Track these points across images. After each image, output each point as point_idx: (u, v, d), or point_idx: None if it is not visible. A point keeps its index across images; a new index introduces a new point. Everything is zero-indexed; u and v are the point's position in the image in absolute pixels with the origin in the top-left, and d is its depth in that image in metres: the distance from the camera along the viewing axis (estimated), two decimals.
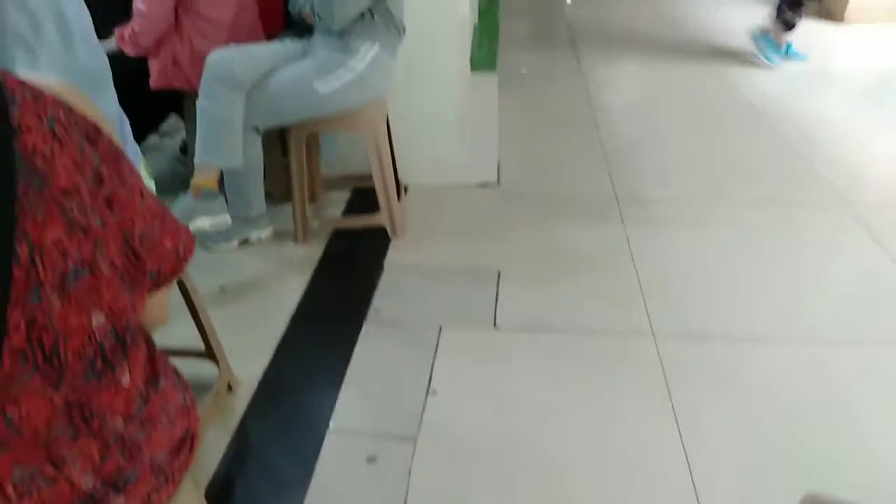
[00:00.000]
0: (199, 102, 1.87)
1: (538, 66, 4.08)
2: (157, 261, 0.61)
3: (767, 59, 3.77)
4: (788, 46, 3.76)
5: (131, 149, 1.14)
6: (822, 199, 2.46)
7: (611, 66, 3.98)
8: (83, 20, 1.07)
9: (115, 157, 0.56)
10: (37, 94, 0.51)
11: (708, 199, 2.48)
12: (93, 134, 0.54)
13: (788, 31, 3.70)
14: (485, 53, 4.02)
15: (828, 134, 2.98)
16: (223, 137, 1.86)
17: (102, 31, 2.38)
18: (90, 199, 0.51)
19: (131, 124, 2.41)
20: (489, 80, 3.54)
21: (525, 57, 4.23)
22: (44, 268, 0.47)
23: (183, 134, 2.68)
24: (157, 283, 0.62)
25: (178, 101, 2.34)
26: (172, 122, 2.74)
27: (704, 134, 3.06)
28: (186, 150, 2.55)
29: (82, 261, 0.50)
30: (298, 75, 1.91)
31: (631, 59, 4.14)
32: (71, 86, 0.57)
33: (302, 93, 1.90)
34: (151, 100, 2.24)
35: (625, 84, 3.70)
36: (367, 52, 1.94)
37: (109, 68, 1.08)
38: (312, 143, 2.30)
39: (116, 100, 1.11)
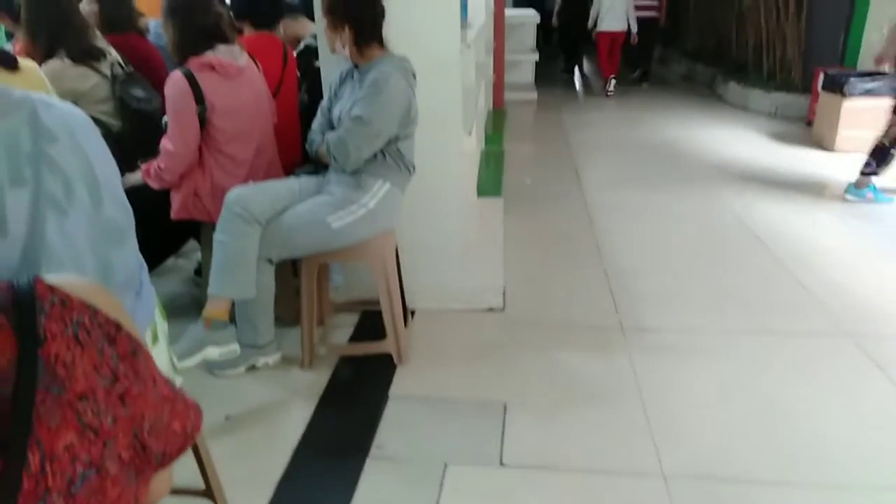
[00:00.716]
0: (216, 236, 1.96)
1: (541, 188, 4.26)
2: (163, 444, 0.62)
3: (878, 199, 3.78)
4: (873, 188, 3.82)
5: (147, 293, 1.18)
6: (825, 329, 2.47)
7: (612, 190, 4.15)
8: (111, 176, 1.09)
9: (133, 353, 0.59)
10: (64, 300, 0.55)
11: (711, 327, 2.50)
12: (113, 333, 0.57)
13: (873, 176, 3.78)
14: (490, 178, 4.22)
15: (826, 260, 3.05)
16: (238, 271, 1.93)
17: (130, 163, 2.56)
18: (104, 399, 0.54)
19: (153, 251, 2.51)
20: (495, 204, 3.70)
21: (528, 178, 4.43)
22: (52, 475, 0.49)
23: (198, 254, 2.77)
24: (163, 463, 0.64)
25: (197, 228, 2.45)
26: (189, 243, 2.86)
27: (704, 258, 3.14)
28: (201, 271, 2.64)
29: (90, 462, 0.52)
30: (313, 211, 2.02)
31: (631, 181, 4.33)
32: (98, 287, 0.62)
33: (316, 227, 1.99)
34: (172, 226, 2.35)
35: (626, 207, 3.84)
36: (378, 190, 2.05)
37: (133, 218, 1.12)
38: (322, 269, 2.37)
39: (137, 249, 1.15)
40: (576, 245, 3.32)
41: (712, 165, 4.63)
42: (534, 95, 7.12)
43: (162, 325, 1.32)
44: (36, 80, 2.18)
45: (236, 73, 2.17)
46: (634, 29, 7.17)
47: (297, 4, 3.37)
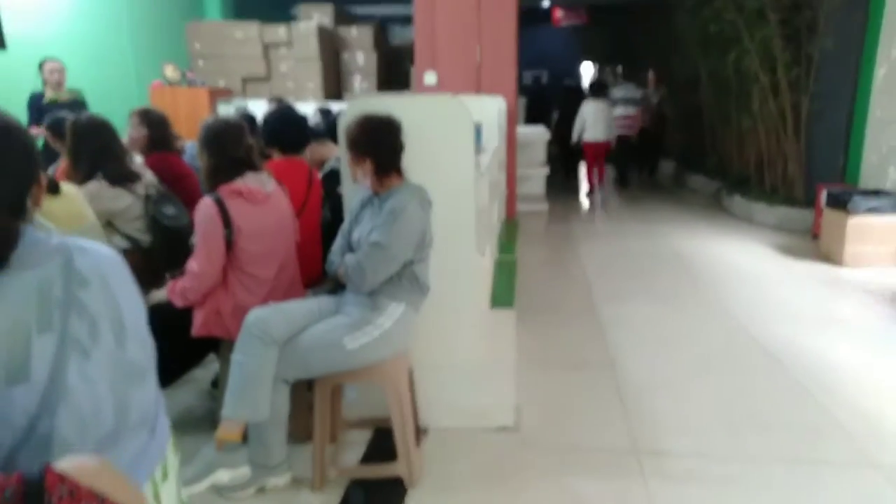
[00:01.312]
0: (234, 356, 2.01)
1: (553, 299, 4.31)
2: None
3: None
4: None
5: (161, 429, 1.19)
6: (848, 458, 2.41)
7: (623, 302, 4.19)
8: (138, 316, 1.11)
9: None
10: (73, 490, 0.58)
11: (728, 452, 2.45)
12: None
13: None
14: (503, 289, 4.28)
15: (845, 381, 3.01)
16: (253, 393, 1.96)
17: (158, 277, 2.65)
18: None
19: (174, 365, 2.54)
20: (507, 316, 3.73)
21: (540, 291, 4.49)
22: None
23: (216, 366, 2.80)
24: None
25: (217, 342, 2.50)
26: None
27: (719, 376, 3.11)
28: (218, 384, 2.66)
29: None
30: (329, 332, 2.07)
31: (642, 294, 4.37)
32: (104, 466, 0.65)
33: (331, 348, 2.04)
34: (193, 340, 2.40)
35: (638, 320, 3.86)
36: (394, 311, 2.11)
37: (154, 356, 1.15)
38: (336, 389, 2.38)
39: (156, 386, 1.17)
40: (588, 360, 3.31)
41: (722, 278, 4.69)
42: (545, 206, 7.36)
43: (173, 462, 1.32)
44: (76, 204, 2.33)
45: (263, 198, 2.31)
46: (613, 139, 8.25)
47: (323, 130, 3.63)
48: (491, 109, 4.37)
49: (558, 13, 13.99)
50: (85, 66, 7.08)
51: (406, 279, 2.14)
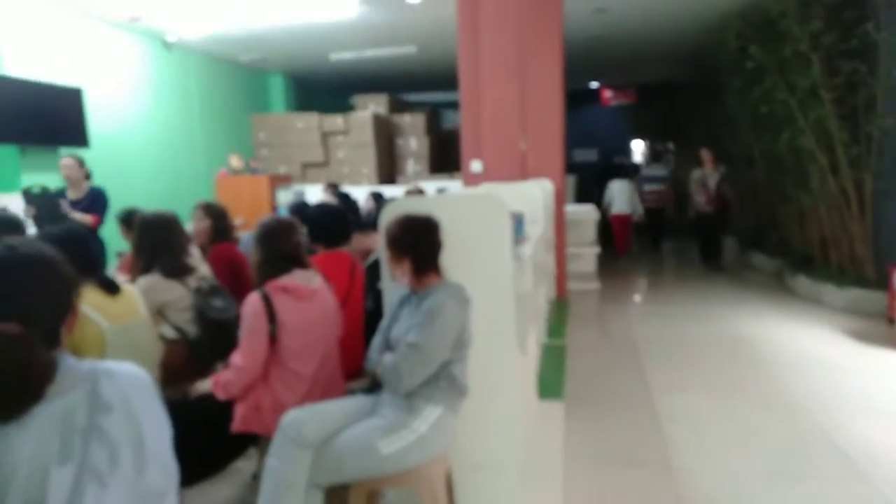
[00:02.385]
0: (268, 460, 1.99)
1: (605, 389, 4.13)
2: None
3: None
4: None
5: None
6: None
7: (682, 394, 3.97)
8: (161, 438, 1.10)
9: None
10: None
11: None
12: None
13: None
14: (551, 378, 4.15)
15: None
16: (285, 500, 1.92)
17: (202, 368, 2.70)
18: None
19: (216, 457, 2.54)
20: (555, 410, 3.60)
21: (590, 378, 4.32)
22: None
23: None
24: None
25: (258, 437, 2.49)
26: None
27: (790, 483, 2.85)
28: (258, 476, 2.63)
29: None
30: (364, 435, 2.03)
31: (703, 384, 4.14)
32: None
33: (365, 453, 1.99)
34: (234, 435, 2.40)
35: (698, 416, 3.63)
36: (430, 414, 2.06)
37: (176, 478, 1.10)
38: (373, 495, 2.31)
39: None
40: (643, 459, 3.12)
41: (789, 366, 4.40)
42: (596, 285, 7.23)
43: None
44: (130, 301, 2.44)
45: (309, 295, 2.37)
46: (640, 212, 9.44)
47: (373, 218, 3.72)
48: (536, 194, 4.40)
49: (607, 93, 14.27)
50: (159, 158, 7.64)
51: (443, 380, 2.10)
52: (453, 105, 12.93)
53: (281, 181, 7.82)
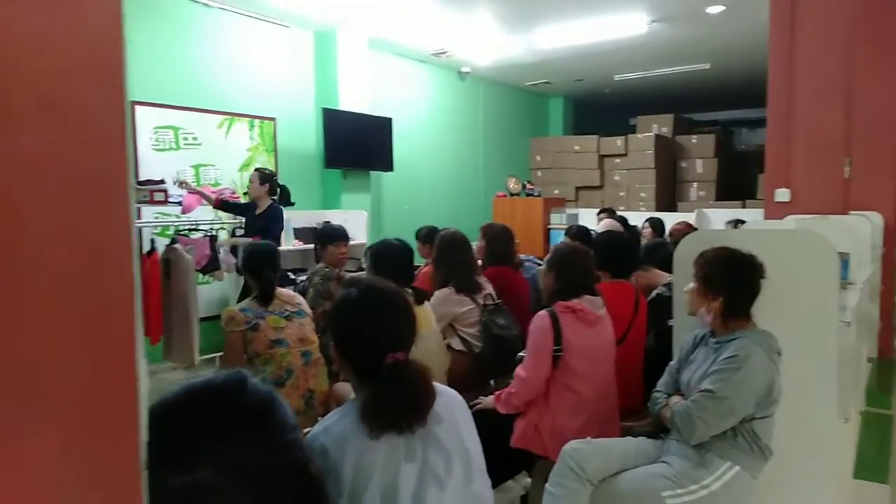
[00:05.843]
0: (548, 487, 1.98)
1: None
2: None
3: None
4: None
5: None
6: None
7: None
8: (478, 451, 1.23)
9: None
10: None
11: None
12: None
13: None
14: (872, 455, 3.42)
15: None
16: None
17: (484, 382, 2.84)
18: None
19: (491, 472, 2.66)
20: (876, 494, 2.94)
21: None
22: None
23: (527, 480, 2.81)
24: None
25: (532, 459, 2.51)
26: None
27: None
28: (527, 500, 2.66)
29: None
30: (648, 480, 1.90)
31: None
32: None
33: (649, 499, 1.86)
34: (508, 454, 2.46)
35: None
36: (724, 473, 1.83)
37: (492, 495, 1.22)
38: None
39: None
40: None
41: None
42: None
43: None
44: (425, 313, 2.70)
45: (595, 320, 2.34)
46: None
47: (650, 254, 3.49)
48: (863, 231, 3.69)
49: None
50: (445, 181, 8.43)
51: (743, 437, 1.85)
52: (746, 123, 11.73)
53: (555, 204, 7.94)
